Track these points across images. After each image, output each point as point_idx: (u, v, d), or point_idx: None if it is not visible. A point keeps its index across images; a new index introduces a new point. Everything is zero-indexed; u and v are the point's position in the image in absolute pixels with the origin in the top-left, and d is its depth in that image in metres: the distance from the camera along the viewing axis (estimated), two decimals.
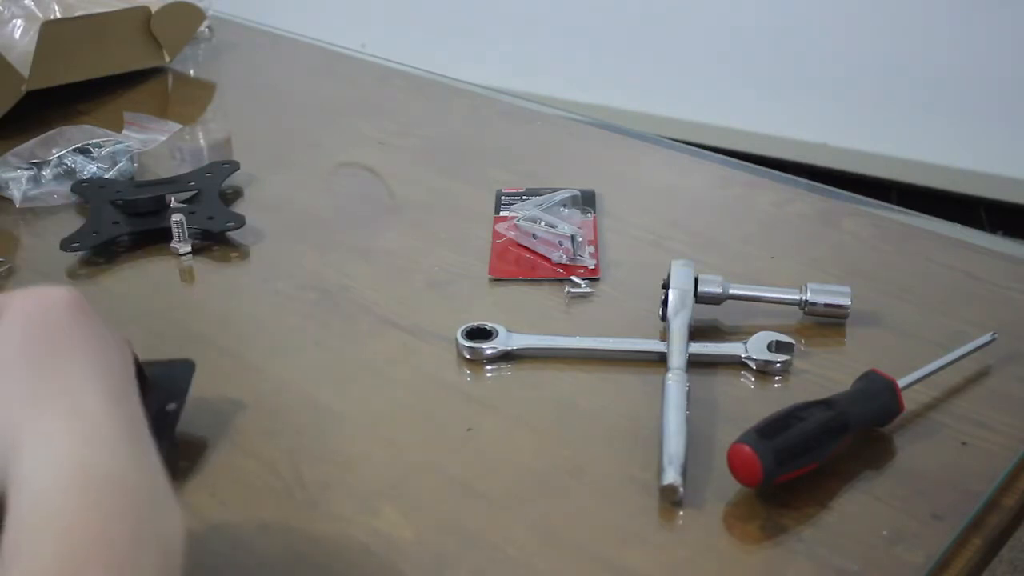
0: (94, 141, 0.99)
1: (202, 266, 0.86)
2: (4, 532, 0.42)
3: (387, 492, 0.64)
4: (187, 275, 0.86)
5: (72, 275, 0.85)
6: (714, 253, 0.85)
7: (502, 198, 0.93)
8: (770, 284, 0.78)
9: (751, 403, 0.68)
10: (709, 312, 0.77)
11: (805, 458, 0.62)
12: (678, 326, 0.73)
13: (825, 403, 0.64)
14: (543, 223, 0.86)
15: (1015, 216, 2.46)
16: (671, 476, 0.62)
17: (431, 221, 0.91)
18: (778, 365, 0.72)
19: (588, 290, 0.81)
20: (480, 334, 0.75)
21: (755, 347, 0.73)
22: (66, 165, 0.97)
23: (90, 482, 0.43)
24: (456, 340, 0.74)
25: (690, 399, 0.68)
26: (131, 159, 0.99)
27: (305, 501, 0.63)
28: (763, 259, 0.85)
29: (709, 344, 0.74)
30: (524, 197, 0.92)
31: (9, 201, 0.95)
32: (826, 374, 0.71)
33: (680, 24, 2.66)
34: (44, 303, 0.51)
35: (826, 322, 0.77)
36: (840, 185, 0.99)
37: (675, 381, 0.69)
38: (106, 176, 0.97)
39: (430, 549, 0.60)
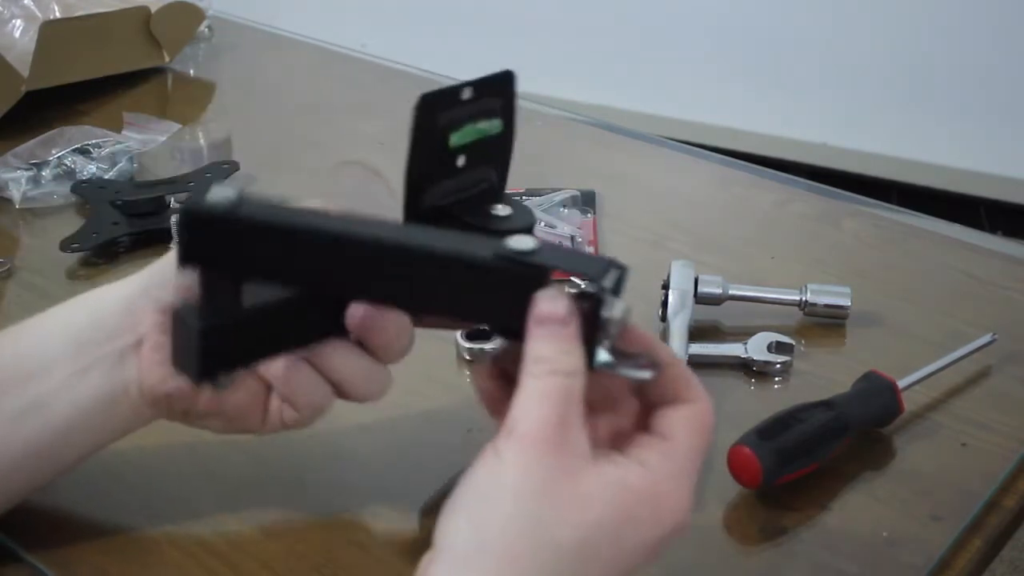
0: (94, 141, 0.99)
1: None
2: None
3: (387, 493, 0.64)
4: None
5: (72, 275, 0.85)
6: (714, 253, 0.85)
7: None
8: (770, 284, 0.78)
9: (751, 404, 0.68)
10: (709, 313, 0.77)
11: (805, 459, 0.62)
12: (678, 327, 0.73)
13: (825, 404, 0.64)
14: (543, 223, 0.86)
15: (1015, 216, 2.46)
16: None
17: None
18: (778, 366, 0.72)
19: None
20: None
21: (755, 348, 0.72)
22: (66, 165, 0.97)
23: None
24: (456, 341, 0.74)
25: None
26: (131, 159, 0.99)
27: (304, 502, 0.63)
28: (763, 259, 0.85)
29: (709, 345, 0.74)
30: (524, 197, 0.92)
31: (9, 201, 0.95)
32: (826, 375, 0.71)
33: (680, 24, 2.66)
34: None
35: (826, 323, 0.77)
36: (840, 185, 0.99)
37: None
38: (106, 176, 0.97)
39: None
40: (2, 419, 0.56)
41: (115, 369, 0.56)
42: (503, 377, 0.50)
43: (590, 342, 0.47)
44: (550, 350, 0.46)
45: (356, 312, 0.52)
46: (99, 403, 0.56)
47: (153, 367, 0.55)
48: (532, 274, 0.47)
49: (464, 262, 0.48)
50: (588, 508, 0.44)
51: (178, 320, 0.51)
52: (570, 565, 0.44)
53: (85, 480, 0.62)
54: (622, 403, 0.50)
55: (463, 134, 0.54)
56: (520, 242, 0.47)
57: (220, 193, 0.48)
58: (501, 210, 0.56)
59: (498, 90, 0.55)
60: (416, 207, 0.54)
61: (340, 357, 0.54)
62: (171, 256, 0.55)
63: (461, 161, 0.55)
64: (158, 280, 0.56)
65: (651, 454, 0.46)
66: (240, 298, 0.51)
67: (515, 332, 0.48)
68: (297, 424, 0.57)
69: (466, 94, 0.53)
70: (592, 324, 0.47)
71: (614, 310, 0.47)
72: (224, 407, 0.56)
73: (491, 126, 0.55)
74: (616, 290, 0.48)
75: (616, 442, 0.49)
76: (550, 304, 0.46)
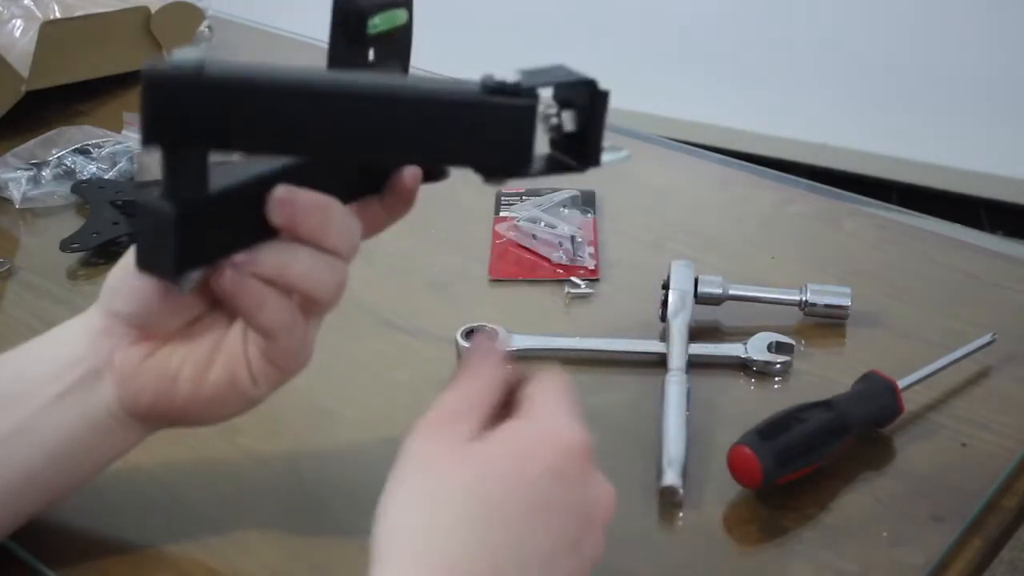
0: (94, 141, 0.99)
1: None
2: None
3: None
4: None
5: (72, 275, 0.85)
6: (714, 253, 0.85)
7: (502, 199, 0.93)
8: (770, 284, 0.78)
9: (751, 404, 0.68)
10: (709, 313, 0.77)
11: (805, 459, 0.62)
12: (678, 327, 0.73)
13: (825, 404, 0.64)
14: (543, 223, 0.86)
15: (1015, 216, 2.46)
16: (671, 477, 0.62)
17: (431, 222, 0.90)
18: (778, 366, 0.72)
19: (588, 291, 0.81)
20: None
21: (755, 348, 0.72)
22: (66, 165, 0.97)
23: None
24: (456, 341, 0.74)
25: (690, 400, 0.68)
26: (131, 159, 0.99)
27: (305, 502, 0.63)
28: (763, 259, 0.85)
29: (709, 345, 0.74)
30: (524, 197, 0.92)
31: (9, 201, 0.95)
32: (826, 375, 0.71)
33: (680, 24, 2.66)
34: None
35: (826, 323, 0.77)
36: (840, 185, 0.99)
37: (675, 382, 0.69)
38: (106, 176, 0.97)
39: None
40: None
41: (93, 390, 0.55)
42: None
43: (597, 139, 0.50)
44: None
45: (274, 195, 0.50)
46: (84, 426, 0.55)
47: (128, 381, 0.54)
48: (524, 103, 0.48)
49: (450, 101, 0.47)
50: (476, 461, 0.47)
51: (147, 212, 0.48)
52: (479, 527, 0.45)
53: (94, 492, 0.62)
54: None
55: (378, 21, 0.52)
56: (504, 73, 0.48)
57: (183, 55, 0.45)
58: None
59: None
60: None
61: (279, 254, 0.51)
62: (117, 266, 0.54)
63: (371, 55, 0.53)
64: (109, 293, 0.54)
65: (517, 414, 0.49)
66: (207, 178, 0.48)
67: (500, 168, 0.49)
68: (287, 360, 0.54)
69: None
70: (598, 120, 0.49)
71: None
72: (208, 393, 0.54)
73: (401, 15, 0.54)
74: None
75: None
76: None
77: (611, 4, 2.70)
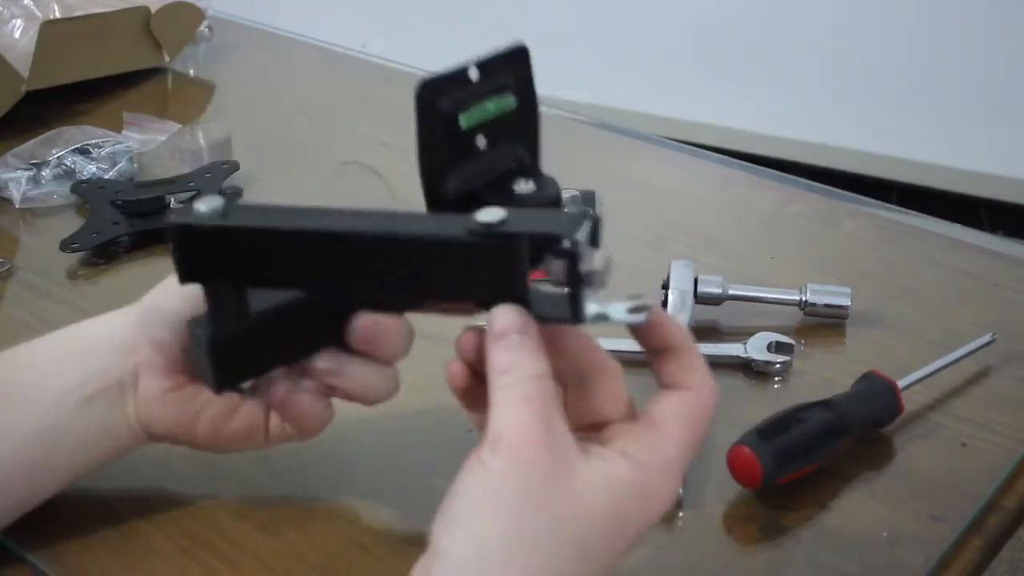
0: (94, 141, 0.99)
1: None
2: None
3: (387, 493, 0.64)
4: None
5: (72, 275, 0.85)
6: (714, 253, 0.85)
7: None
8: (770, 284, 0.78)
9: (751, 404, 0.68)
10: (709, 313, 0.77)
11: (805, 459, 0.62)
12: None
13: (825, 404, 0.64)
14: None
15: (1015, 216, 2.46)
16: None
17: None
18: (778, 366, 0.72)
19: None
20: None
21: (755, 348, 0.72)
22: (66, 165, 0.97)
23: None
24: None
25: None
26: (131, 159, 0.99)
27: (305, 503, 0.63)
28: (763, 259, 0.85)
29: (709, 345, 0.74)
30: None
31: (9, 201, 0.95)
32: (826, 375, 0.71)
33: (680, 24, 2.66)
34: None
35: (826, 323, 0.77)
36: (840, 185, 0.99)
37: None
38: (106, 176, 0.97)
39: None
40: (10, 437, 0.56)
41: (116, 404, 0.57)
42: (473, 372, 0.51)
43: (576, 297, 0.47)
44: (514, 359, 0.46)
45: (357, 326, 0.53)
46: (104, 432, 0.57)
47: (149, 405, 0.57)
48: (506, 244, 0.47)
49: (438, 243, 0.48)
50: (583, 503, 0.44)
51: (191, 332, 0.53)
52: (569, 563, 0.44)
53: (93, 490, 0.62)
54: (600, 386, 0.50)
55: (472, 115, 0.51)
56: (489, 214, 0.47)
57: (206, 203, 0.49)
58: (523, 186, 0.54)
59: (510, 65, 0.53)
60: (438, 195, 0.52)
61: (346, 368, 0.55)
62: (162, 287, 0.57)
63: (481, 142, 0.52)
64: (149, 311, 0.56)
65: (636, 445, 0.47)
66: (247, 304, 0.52)
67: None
68: (301, 438, 0.59)
69: (473, 74, 0.51)
70: (575, 279, 0.47)
71: (594, 262, 0.47)
72: (222, 437, 0.57)
73: (503, 104, 0.53)
74: (594, 240, 0.47)
75: (599, 429, 0.49)
76: (505, 318, 0.47)
77: (612, 4, 2.70)
